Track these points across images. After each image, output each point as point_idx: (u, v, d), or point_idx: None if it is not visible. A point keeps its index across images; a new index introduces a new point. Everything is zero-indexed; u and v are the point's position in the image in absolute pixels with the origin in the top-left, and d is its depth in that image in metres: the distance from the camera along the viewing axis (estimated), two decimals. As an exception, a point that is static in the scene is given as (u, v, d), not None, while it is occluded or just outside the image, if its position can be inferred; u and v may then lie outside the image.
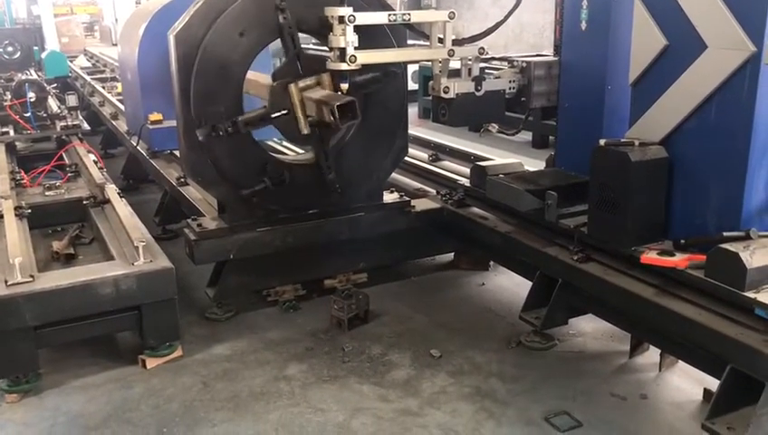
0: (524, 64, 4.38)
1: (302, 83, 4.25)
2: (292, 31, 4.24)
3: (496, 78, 4.42)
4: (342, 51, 3.90)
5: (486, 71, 4.53)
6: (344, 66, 3.95)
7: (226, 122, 4.18)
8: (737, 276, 3.03)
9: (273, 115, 4.28)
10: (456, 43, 4.24)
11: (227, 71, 4.21)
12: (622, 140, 3.55)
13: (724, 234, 3.21)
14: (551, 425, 3.45)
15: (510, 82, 4.38)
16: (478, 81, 4.23)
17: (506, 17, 4.51)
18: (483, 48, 4.23)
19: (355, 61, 3.93)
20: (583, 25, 4.08)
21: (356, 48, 3.91)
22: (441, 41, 4.17)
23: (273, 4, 4.18)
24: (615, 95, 3.93)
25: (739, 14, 3.07)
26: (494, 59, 5.92)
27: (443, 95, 4.20)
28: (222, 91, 4.21)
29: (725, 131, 3.23)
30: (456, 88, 4.18)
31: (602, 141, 3.57)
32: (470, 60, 4.22)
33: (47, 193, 5.43)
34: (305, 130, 4.29)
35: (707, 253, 3.18)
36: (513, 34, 10.86)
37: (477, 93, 4.24)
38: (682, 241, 3.40)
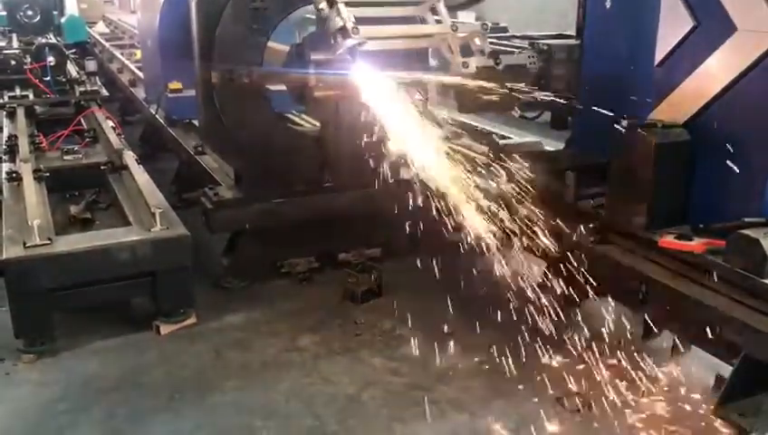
0: (545, 47, 4.33)
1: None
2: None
3: (519, 53, 4.35)
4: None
5: (509, 49, 4.47)
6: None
7: (243, 69, 4.13)
8: (757, 263, 2.99)
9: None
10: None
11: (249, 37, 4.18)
12: (645, 122, 3.51)
13: (745, 220, 3.17)
14: (561, 405, 3.45)
15: (529, 57, 4.31)
16: (495, 54, 4.16)
17: None
18: (486, 24, 4.12)
19: (358, 33, 3.83)
20: (608, 4, 4.02)
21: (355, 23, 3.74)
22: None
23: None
24: (638, 76, 3.87)
25: (772, -4, 3.01)
26: (515, 37, 5.84)
27: (463, 71, 4.14)
28: (243, 57, 4.19)
29: (751, 116, 3.17)
30: (476, 62, 4.12)
31: (624, 122, 3.53)
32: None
33: (65, 157, 5.46)
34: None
35: (727, 238, 3.15)
36: (534, 14, 10.72)
37: (497, 67, 4.17)
38: (701, 225, 3.37)
